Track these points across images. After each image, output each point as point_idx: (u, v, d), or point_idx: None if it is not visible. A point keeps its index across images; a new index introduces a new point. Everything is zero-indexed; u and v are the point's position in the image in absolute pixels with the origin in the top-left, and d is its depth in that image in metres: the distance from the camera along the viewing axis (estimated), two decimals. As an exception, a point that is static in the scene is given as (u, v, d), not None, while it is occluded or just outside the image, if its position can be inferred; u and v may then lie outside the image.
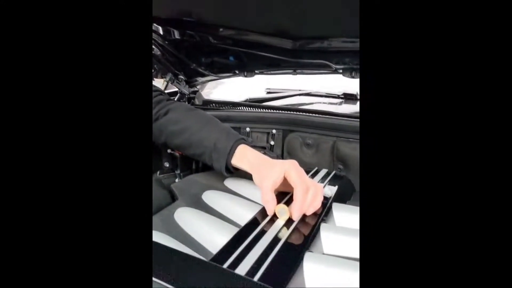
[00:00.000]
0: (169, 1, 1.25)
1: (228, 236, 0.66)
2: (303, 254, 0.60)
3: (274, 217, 0.74)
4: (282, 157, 1.46)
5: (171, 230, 0.77)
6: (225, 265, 0.55)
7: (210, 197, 0.93)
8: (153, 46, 1.49)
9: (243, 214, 0.80)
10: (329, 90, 1.85)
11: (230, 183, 1.05)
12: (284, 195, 0.86)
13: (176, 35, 1.45)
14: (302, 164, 1.44)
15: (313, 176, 1.03)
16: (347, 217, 0.81)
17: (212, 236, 0.72)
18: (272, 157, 1.45)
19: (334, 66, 1.35)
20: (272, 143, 1.45)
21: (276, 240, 0.64)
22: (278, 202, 0.76)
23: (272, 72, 1.56)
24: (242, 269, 0.54)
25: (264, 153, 1.46)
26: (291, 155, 1.43)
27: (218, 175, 1.14)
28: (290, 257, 0.59)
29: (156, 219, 0.83)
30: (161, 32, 1.44)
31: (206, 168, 1.41)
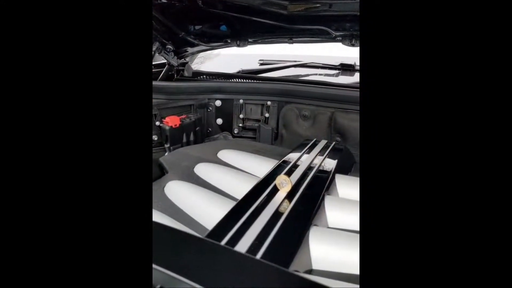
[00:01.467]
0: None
1: (225, 210, 0.60)
2: (308, 229, 0.55)
3: (274, 189, 0.68)
4: (277, 129, 1.39)
5: (161, 205, 0.71)
6: (223, 242, 0.49)
7: (203, 170, 0.87)
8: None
9: (239, 187, 0.74)
10: (325, 60, 1.77)
11: (223, 155, 0.98)
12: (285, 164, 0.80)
13: None
14: (299, 136, 1.42)
15: (311, 148, 0.97)
16: (350, 188, 0.76)
17: (206, 211, 0.66)
18: (268, 130, 1.42)
19: (333, 32, 1.27)
20: (267, 115, 1.38)
21: (277, 214, 0.58)
22: (279, 172, 0.71)
23: (266, 40, 1.47)
24: (242, 246, 0.48)
25: (259, 126, 1.41)
26: (286, 128, 1.37)
27: (210, 147, 1.08)
28: (294, 232, 0.53)
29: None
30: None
31: (198, 141, 1.35)
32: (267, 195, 0.65)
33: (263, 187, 0.68)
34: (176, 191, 0.76)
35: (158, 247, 0.44)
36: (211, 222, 0.59)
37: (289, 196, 0.65)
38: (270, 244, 0.49)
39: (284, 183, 0.67)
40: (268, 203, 0.62)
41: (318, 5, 1.16)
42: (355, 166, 1.03)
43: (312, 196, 0.66)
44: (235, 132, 1.43)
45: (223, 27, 1.53)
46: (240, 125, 1.42)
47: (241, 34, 1.51)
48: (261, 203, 0.61)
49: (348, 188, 0.76)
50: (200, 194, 0.72)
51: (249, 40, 1.53)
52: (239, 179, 0.79)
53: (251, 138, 1.42)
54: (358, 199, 0.69)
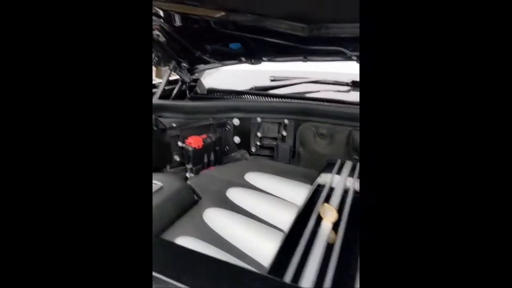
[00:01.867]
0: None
1: (272, 241, 0.62)
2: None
3: (319, 218, 0.70)
4: (294, 148, 1.42)
5: (205, 235, 0.73)
6: (287, 279, 0.51)
7: (236, 195, 0.89)
8: (158, 33, 1.40)
9: (278, 215, 0.77)
10: (336, 77, 1.81)
11: (251, 178, 1.01)
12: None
13: (178, 20, 1.36)
14: (316, 154, 1.44)
15: (339, 169, 0.99)
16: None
17: (253, 242, 0.68)
18: (285, 148, 1.44)
19: (349, 53, 1.31)
20: (284, 133, 1.41)
21: (330, 245, 0.60)
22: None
23: (281, 59, 1.50)
24: (306, 283, 0.50)
25: (277, 144, 1.43)
26: (304, 146, 1.40)
27: (236, 169, 1.10)
28: (351, 264, 0.55)
29: (186, 223, 0.78)
30: (161, 14, 1.35)
31: (217, 160, 1.37)
32: (314, 225, 0.67)
33: (306, 216, 0.70)
34: (217, 219, 0.78)
35: (215, 282, 0.45)
36: (261, 255, 0.61)
37: (336, 225, 0.67)
38: (334, 278, 0.51)
39: (329, 213, 0.69)
40: (317, 234, 0.64)
41: (337, 28, 1.20)
42: None
43: (355, 223, 0.68)
44: (253, 150, 1.46)
45: (237, 45, 1.55)
46: (258, 143, 1.45)
47: (255, 53, 1.54)
48: (310, 234, 0.64)
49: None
50: (242, 223, 0.74)
51: (263, 58, 1.56)
52: (276, 206, 0.81)
53: (268, 157, 1.44)
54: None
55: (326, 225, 0.67)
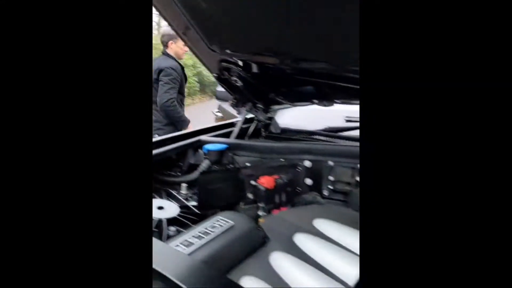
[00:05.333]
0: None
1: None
2: None
3: None
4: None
5: (270, 279, 0.76)
6: None
7: (303, 242, 0.91)
8: (236, 79, 1.53)
9: (344, 268, 0.76)
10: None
11: (319, 224, 1.01)
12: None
13: (255, 69, 1.47)
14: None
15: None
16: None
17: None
18: (356, 194, 1.40)
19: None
20: (358, 179, 1.38)
21: None
22: None
23: (355, 102, 1.51)
24: None
25: (351, 190, 1.39)
26: (377, 191, 1.35)
27: (306, 213, 1.11)
28: None
29: (253, 263, 0.82)
30: (240, 63, 1.47)
31: (289, 201, 1.39)
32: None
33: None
34: (283, 265, 0.80)
35: None
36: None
37: None
38: None
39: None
40: None
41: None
42: None
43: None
44: (325, 194, 1.44)
45: (310, 88, 1.60)
46: (330, 187, 1.43)
47: (328, 96, 1.57)
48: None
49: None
50: (308, 274, 0.75)
51: (336, 101, 1.59)
52: (342, 258, 0.81)
53: (342, 202, 1.41)
54: None
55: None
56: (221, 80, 1.59)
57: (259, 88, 1.60)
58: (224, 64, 1.48)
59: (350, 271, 0.73)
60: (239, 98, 1.67)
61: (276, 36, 1.23)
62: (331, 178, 1.41)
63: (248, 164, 1.40)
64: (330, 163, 1.42)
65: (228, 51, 1.41)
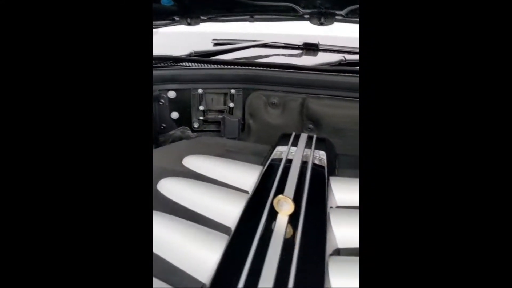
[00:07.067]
0: None
1: (218, 247, 0.47)
2: (326, 261, 0.47)
3: (272, 210, 0.55)
4: (243, 120, 1.25)
5: None
6: None
7: (170, 188, 0.71)
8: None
9: (225, 209, 0.60)
10: (286, 39, 1.63)
11: (190, 162, 0.82)
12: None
13: None
14: (268, 126, 1.29)
15: (295, 142, 0.85)
16: (348, 193, 0.67)
17: (193, 250, 0.51)
18: (233, 121, 1.27)
19: (301, 10, 1.14)
20: (231, 105, 1.23)
21: (288, 244, 0.47)
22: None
23: (224, 19, 1.30)
24: None
25: (223, 118, 1.25)
26: (254, 118, 1.23)
27: (172, 153, 0.91)
28: (313, 267, 0.45)
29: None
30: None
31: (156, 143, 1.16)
32: (266, 221, 0.53)
33: (257, 208, 0.56)
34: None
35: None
36: (201, 266, 0.45)
37: (293, 218, 0.53)
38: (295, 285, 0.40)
39: (284, 205, 0.54)
40: (272, 231, 0.50)
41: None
42: (338, 159, 0.93)
43: (315, 215, 0.55)
44: (195, 126, 1.27)
45: (168, 1, 1.31)
46: (201, 118, 1.26)
47: (191, 11, 1.31)
48: (262, 234, 0.49)
49: (345, 194, 0.67)
50: (178, 228, 0.57)
51: (202, 17, 1.35)
52: (221, 197, 0.65)
53: (214, 132, 1.27)
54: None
55: (282, 220, 0.53)
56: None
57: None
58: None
59: (227, 209, 0.59)
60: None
61: None
62: (201, 107, 1.24)
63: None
64: (200, 90, 1.22)
65: None
